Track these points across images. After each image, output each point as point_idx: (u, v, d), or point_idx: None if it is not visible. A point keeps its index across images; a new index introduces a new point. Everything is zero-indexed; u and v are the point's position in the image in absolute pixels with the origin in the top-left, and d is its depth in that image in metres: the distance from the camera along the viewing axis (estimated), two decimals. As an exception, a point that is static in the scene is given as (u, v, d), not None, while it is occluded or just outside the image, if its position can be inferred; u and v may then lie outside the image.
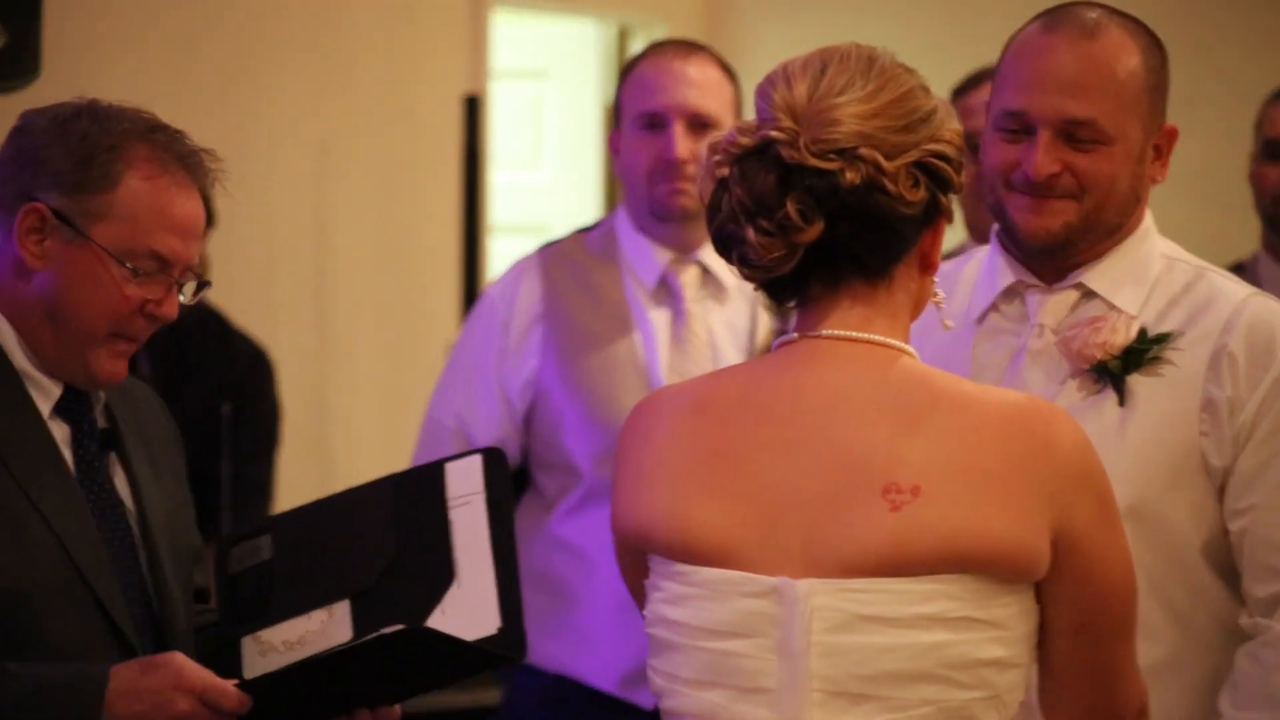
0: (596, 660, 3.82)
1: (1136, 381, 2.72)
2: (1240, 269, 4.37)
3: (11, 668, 2.46)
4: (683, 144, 3.82)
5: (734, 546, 2.20)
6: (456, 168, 6.41)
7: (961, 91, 4.28)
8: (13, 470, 2.52)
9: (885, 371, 2.24)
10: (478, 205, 6.37)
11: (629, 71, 3.95)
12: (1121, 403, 2.72)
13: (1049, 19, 2.76)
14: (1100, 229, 2.76)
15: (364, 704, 2.57)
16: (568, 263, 3.92)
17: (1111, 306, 2.76)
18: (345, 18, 6.48)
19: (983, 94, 3.71)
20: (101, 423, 2.65)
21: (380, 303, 6.56)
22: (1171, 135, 2.79)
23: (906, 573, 2.16)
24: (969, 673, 2.17)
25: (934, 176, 2.23)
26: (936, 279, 2.31)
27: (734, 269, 2.26)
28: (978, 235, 4.23)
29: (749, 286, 2.29)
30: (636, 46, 7.05)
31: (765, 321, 3.89)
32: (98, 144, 2.56)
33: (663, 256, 3.88)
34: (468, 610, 2.55)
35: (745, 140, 2.23)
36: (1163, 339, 2.73)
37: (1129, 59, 2.73)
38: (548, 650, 3.84)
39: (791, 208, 2.19)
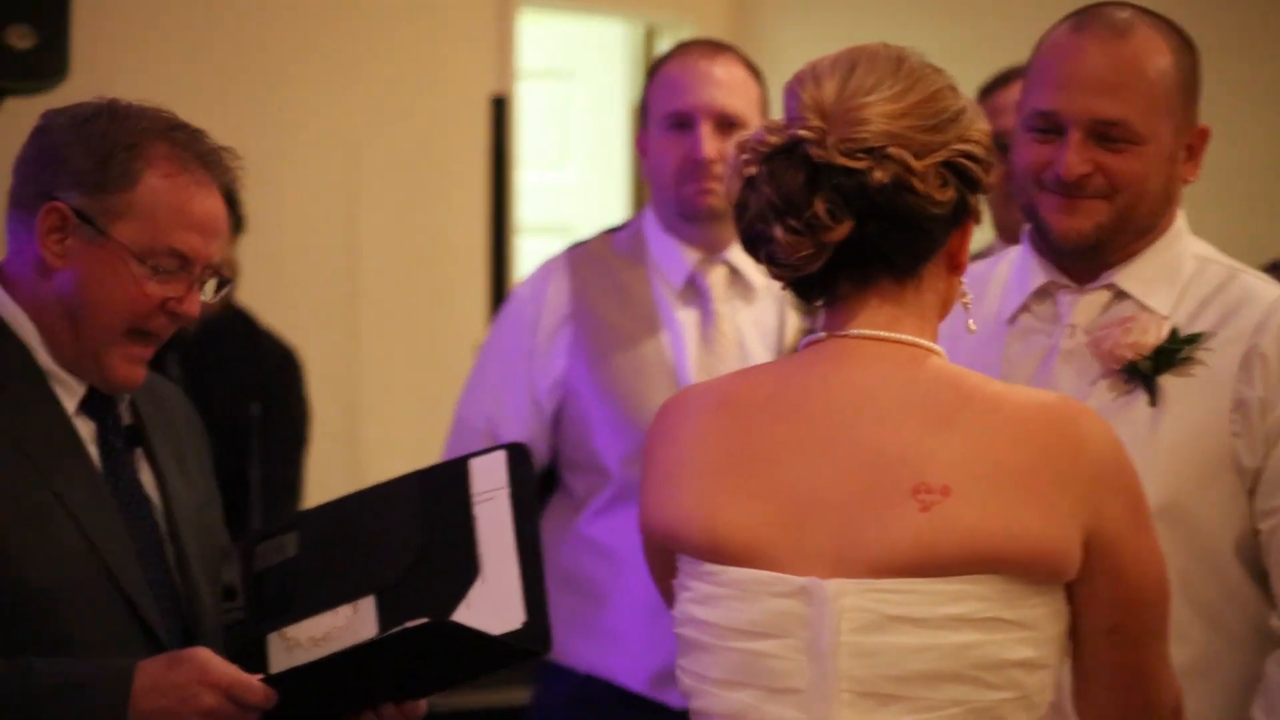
0: (625, 660, 3.81)
1: (1168, 382, 2.72)
2: (1274, 269, 4.35)
3: (38, 663, 2.46)
4: (710, 144, 3.81)
5: (762, 546, 2.20)
6: (484, 168, 6.41)
7: (989, 91, 4.27)
8: (38, 467, 2.53)
9: (914, 371, 2.23)
10: (505, 205, 6.37)
11: (656, 71, 3.94)
12: (1152, 403, 2.71)
13: (1079, 19, 2.75)
14: (1132, 229, 2.75)
15: (389, 699, 2.57)
16: (596, 263, 3.92)
17: (1143, 307, 2.75)
18: (372, 19, 6.49)
19: (1011, 93, 3.70)
20: (127, 419, 2.65)
21: (408, 303, 6.57)
22: (1204, 135, 2.78)
23: (936, 573, 2.15)
24: (998, 673, 2.16)
25: (962, 176, 2.22)
26: (965, 280, 2.30)
27: (762, 268, 2.25)
28: (1006, 235, 4.22)
29: (777, 286, 2.28)
30: (663, 46, 7.04)
31: (793, 321, 3.88)
32: (117, 143, 2.56)
33: (691, 256, 3.87)
34: (492, 604, 2.55)
35: (773, 139, 2.22)
36: (1194, 339, 2.73)
37: (1160, 59, 2.72)
38: (577, 650, 3.84)
39: (820, 207, 2.19)
